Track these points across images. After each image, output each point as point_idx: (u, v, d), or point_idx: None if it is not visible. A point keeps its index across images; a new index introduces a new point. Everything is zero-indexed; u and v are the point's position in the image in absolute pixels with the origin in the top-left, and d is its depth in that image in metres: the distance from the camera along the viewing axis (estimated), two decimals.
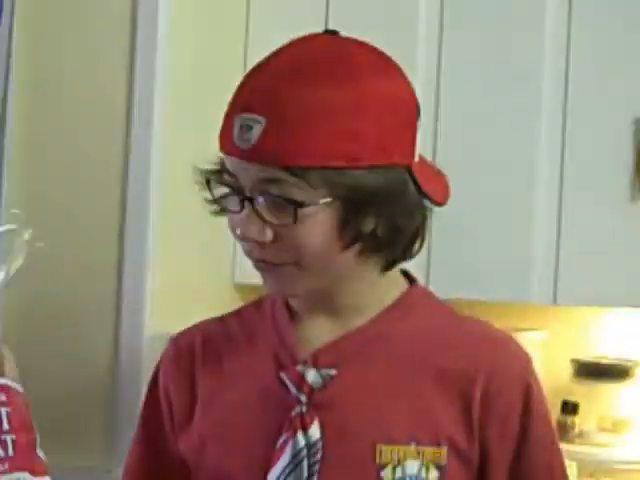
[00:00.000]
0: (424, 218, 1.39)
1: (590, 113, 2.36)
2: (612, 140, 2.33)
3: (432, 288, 1.46)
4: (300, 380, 1.38)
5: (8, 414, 1.26)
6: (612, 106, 2.34)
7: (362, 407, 1.38)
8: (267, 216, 1.30)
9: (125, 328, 2.09)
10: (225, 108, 1.39)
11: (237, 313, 1.50)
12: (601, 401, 2.51)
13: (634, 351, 2.54)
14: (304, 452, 1.37)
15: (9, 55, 2.35)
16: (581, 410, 2.42)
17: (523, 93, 2.42)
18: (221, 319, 1.50)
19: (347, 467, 1.37)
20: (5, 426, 1.25)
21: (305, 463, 1.36)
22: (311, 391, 1.37)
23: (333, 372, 1.38)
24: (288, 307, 1.46)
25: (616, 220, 2.31)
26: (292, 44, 1.33)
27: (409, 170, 1.33)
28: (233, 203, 1.33)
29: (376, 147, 1.32)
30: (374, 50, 1.35)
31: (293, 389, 1.37)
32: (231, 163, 1.31)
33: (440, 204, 1.38)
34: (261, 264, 1.34)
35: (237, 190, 1.33)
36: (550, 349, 2.34)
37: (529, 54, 2.45)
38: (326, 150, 1.31)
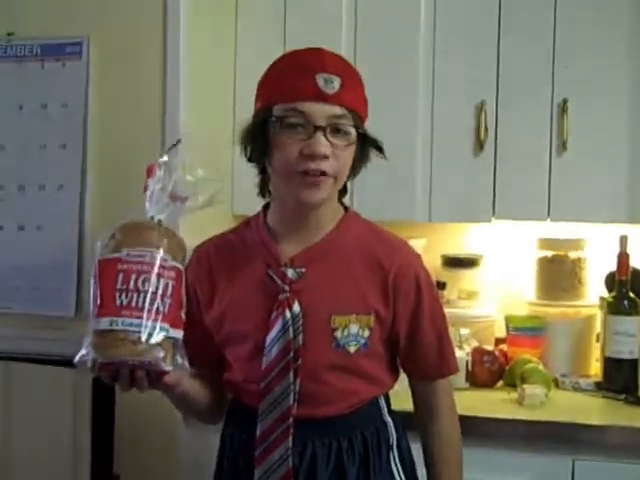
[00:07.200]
0: None
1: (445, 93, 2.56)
2: (460, 118, 2.59)
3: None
4: (283, 275, 1.59)
5: (173, 287, 1.46)
6: (457, 90, 2.54)
7: (322, 291, 1.60)
8: (332, 139, 1.51)
9: None
10: None
11: (233, 230, 1.71)
12: (460, 281, 2.80)
13: (479, 249, 2.87)
14: (290, 321, 1.56)
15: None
16: (448, 287, 2.71)
17: None
18: (223, 235, 1.71)
19: (315, 330, 1.60)
20: (169, 292, 1.46)
21: (291, 329, 1.57)
22: (291, 282, 1.59)
23: (304, 270, 1.60)
24: (266, 227, 1.63)
25: (464, 165, 2.59)
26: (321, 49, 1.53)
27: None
28: (301, 134, 1.49)
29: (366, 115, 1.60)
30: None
31: (279, 281, 1.59)
32: (308, 105, 1.49)
33: (384, 156, 1.61)
34: (317, 175, 1.50)
35: (307, 123, 1.49)
36: (429, 250, 2.55)
37: None
38: (365, 109, 1.60)
